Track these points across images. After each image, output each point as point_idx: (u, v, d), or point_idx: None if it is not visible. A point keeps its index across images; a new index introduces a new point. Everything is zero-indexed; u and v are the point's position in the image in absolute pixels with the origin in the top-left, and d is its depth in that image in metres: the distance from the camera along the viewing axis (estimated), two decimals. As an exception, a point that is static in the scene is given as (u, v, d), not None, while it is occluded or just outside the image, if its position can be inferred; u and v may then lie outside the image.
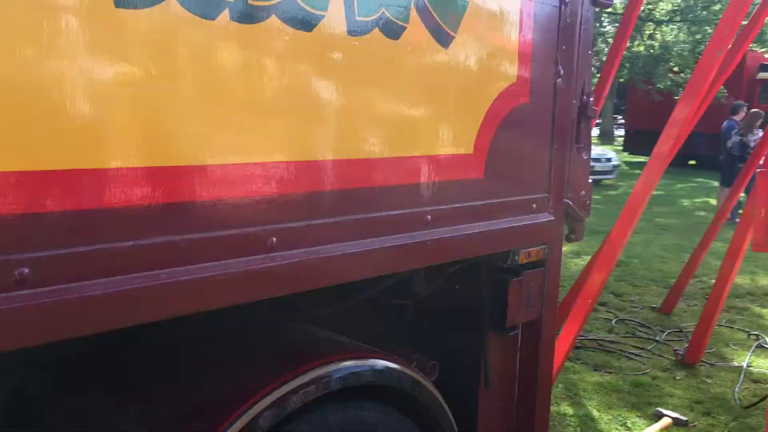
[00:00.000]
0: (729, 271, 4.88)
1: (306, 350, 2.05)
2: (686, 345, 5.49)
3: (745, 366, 5.10)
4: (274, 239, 1.60)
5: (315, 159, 1.69)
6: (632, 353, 5.32)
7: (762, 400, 4.35)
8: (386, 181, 1.87)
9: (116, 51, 1.31)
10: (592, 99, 2.56)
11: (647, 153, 4.66)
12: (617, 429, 4.15)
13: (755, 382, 4.88)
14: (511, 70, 2.17)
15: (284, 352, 2.05)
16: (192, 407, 1.78)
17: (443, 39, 1.94)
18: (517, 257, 2.25)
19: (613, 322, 6.10)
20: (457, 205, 2.05)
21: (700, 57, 4.64)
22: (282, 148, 1.61)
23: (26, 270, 1.20)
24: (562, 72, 2.35)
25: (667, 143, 4.14)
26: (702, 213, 12.89)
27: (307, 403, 1.77)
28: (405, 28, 1.83)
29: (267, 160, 1.57)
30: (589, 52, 2.56)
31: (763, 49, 19.76)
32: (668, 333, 5.82)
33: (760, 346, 5.53)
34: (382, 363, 2.05)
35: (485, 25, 2.06)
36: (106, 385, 1.96)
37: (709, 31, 18.21)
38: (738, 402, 4.48)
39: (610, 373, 4.96)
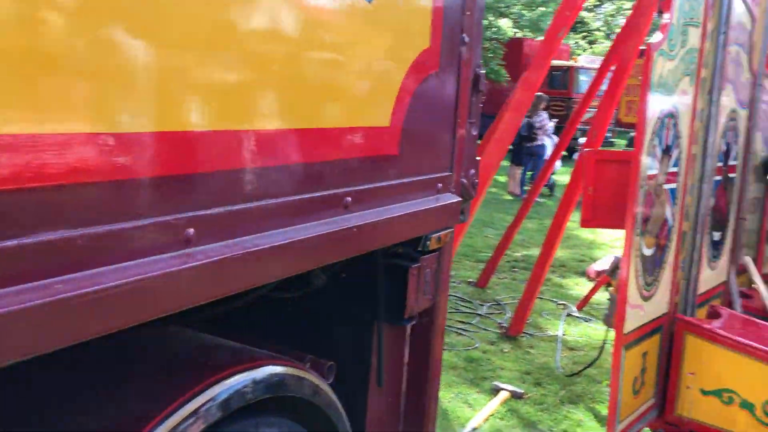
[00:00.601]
0: (551, 246, 5.12)
1: (192, 366, 1.68)
2: (506, 316, 5.73)
3: (560, 335, 5.41)
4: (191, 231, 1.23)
5: (232, 127, 1.33)
6: (461, 329, 5.42)
7: (584, 369, 4.62)
8: (303, 156, 1.55)
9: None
10: (483, 72, 2.41)
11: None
12: (460, 407, 4.17)
13: (571, 349, 5.20)
14: (425, 31, 1.93)
15: (162, 372, 1.65)
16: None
17: (367, -9, 1.65)
18: (428, 242, 2.04)
19: (435, 297, 6.20)
20: (377, 185, 1.78)
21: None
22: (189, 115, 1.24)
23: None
24: (466, 40, 2.16)
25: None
26: (493, 190, 13.72)
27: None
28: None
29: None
30: (482, 20, 2.41)
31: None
32: (489, 306, 6.03)
33: (569, 315, 5.92)
34: (275, 372, 1.73)
35: (403, -21, 1.81)
36: None
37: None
38: (561, 371, 4.72)
39: (443, 350, 4.98)
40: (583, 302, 6.07)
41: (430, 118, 2.02)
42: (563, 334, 5.44)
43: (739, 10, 4.15)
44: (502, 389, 4.34)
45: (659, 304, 3.74)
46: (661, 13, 3.45)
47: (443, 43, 2.02)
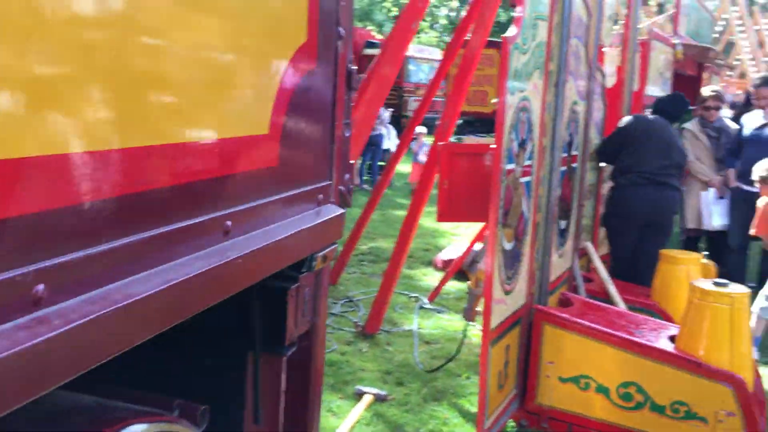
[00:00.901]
0: (406, 239, 5.05)
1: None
2: (360, 314, 5.60)
3: (415, 329, 5.37)
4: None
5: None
6: (316, 330, 5.21)
7: (444, 364, 4.60)
8: (172, 178, 1.26)
9: None
10: (356, 67, 2.20)
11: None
12: (324, 416, 3.97)
13: (427, 343, 5.17)
14: (302, 24, 1.69)
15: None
16: None
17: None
18: (314, 263, 1.80)
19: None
20: (259, 203, 1.52)
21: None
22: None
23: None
24: (342, 33, 1.94)
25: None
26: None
27: None
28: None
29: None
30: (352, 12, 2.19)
31: (371, 27, 21.77)
32: (342, 304, 5.87)
33: (421, 308, 5.91)
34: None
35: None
36: None
37: None
38: (421, 367, 4.67)
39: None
40: (435, 293, 6.10)
41: (310, 121, 1.79)
42: (419, 328, 5.41)
43: (577, 3, 4.28)
44: (366, 393, 4.20)
45: (518, 296, 3.78)
46: (514, 6, 3.43)
47: (320, 37, 1.79)
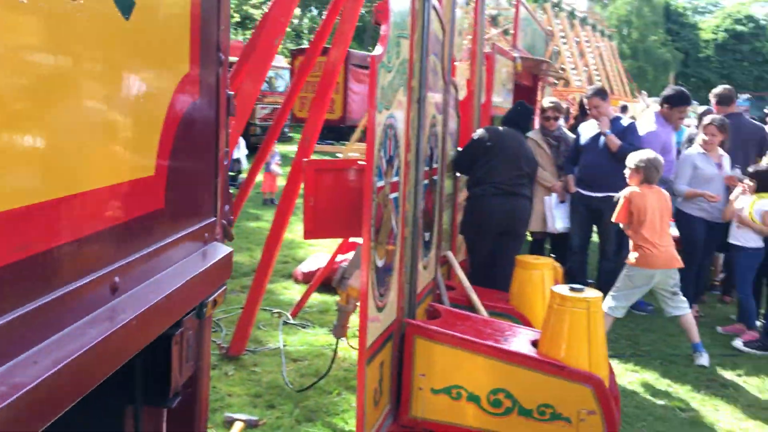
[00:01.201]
0: (271, 254, 4.91)
1: None
2: (223, 334, 5.39)
3: (282, 347, 5.25)
4: None
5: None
6: (177, 356, 4.94)
7: (315, 383, 4.53)
8: (52, 238, 1.10)
9: None
10: (234, 93, 2.09)
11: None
12: (194, 449, 3.76)
13: (295, 361, 5.07)
14: (185, 54, 1.56)
15: None
16: None
17: (123, 4, 1.24)
18: (205, 309, 1.67)
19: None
20: (147, 251, 1.38)
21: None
22: None
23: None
24: (222, 58, 1.82)
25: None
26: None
27: None
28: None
29: None
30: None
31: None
32: (202, 326, 5.61)
33: (285, 323, 5.79)
34: None
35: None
36: None
37: None
38: (291, 387, 4.57)
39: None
40: (298, 308, 6.00)
41: (195, 155, 1.66)
42: (285, 346, 5.29)
43: (434, 20, 4.37)
44: (236, 420, 4.03)
45: (390, 311, 3.79)
46: (378, 24, 3.44)
47: (202, 66, 1.66)
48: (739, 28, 53.63)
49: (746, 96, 37.71)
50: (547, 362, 3.68)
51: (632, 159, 5.42)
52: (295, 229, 8.14)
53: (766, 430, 4.30)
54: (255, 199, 12.00)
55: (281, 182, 12.75)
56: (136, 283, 1.32)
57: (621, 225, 5.48)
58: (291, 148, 23.21)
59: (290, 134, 19.45)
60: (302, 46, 24.13)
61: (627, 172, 5.46)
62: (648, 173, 5.27)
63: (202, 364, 1.99)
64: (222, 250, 1.78)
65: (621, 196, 5.38)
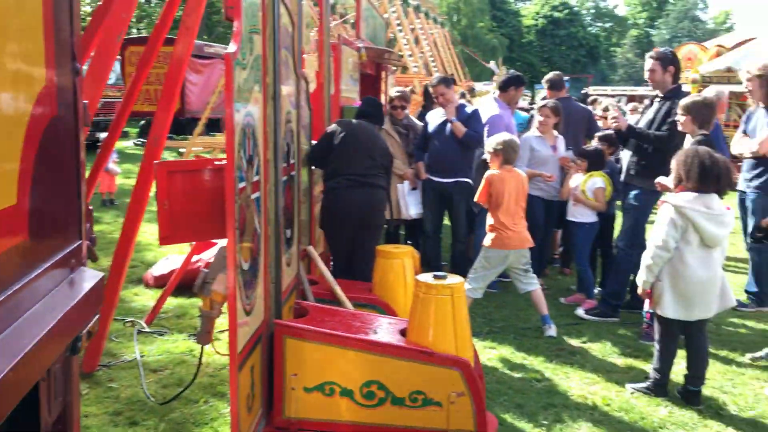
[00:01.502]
0: (122, 262, 4.62)
1: None
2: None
3: (139, 358, 4.98)
4: None
5: None
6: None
7: (179, 393, 4.34)
8: None
9: None
10: (87, 102, 1.92)
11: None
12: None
13: (155, 372, 4.83)
14: (40, 66, 1.41)
15: None
16: None
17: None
18: (79, 344, 1.52)
19: None
20: (13, 289, 1.23)
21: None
22: None
23: None
24: (78, 68, 1.66)
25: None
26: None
27: None
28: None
29: None
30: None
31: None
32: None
33: (140, 332, 5.49)
34: None
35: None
36: None
37: None
38: (153, 400, 4.35)
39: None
40: (152, 315, 5.72)
41: (56, 178, 1.51)
42: (142, 356, 5.02)
43: (284, 13, 4.29)
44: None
45: (258, 313, 3.71)
46: (230, 20, 3.31)
47: (58, 79, 1.51)
48: (556, 14, 57.69)
49: (566, 78, 40.77)
50: (416, 350, 3.77)
51: (490, 143, 5.69)
52: (142, 231, 7.71)
53: (612, 391, 4.69)
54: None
55: (119, 181, 12.04)
56: (4, 327, 1.18)
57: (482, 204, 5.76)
58: (125, 144, 21.98)
59: (124, 128, 18.42)
60: (132, 36, 22.90)
61: (487, 156, 5.73)
62: (506, 155, 5.56)
63: (72, 398, 1.83)
64: (92, 276, 1.64)
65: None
